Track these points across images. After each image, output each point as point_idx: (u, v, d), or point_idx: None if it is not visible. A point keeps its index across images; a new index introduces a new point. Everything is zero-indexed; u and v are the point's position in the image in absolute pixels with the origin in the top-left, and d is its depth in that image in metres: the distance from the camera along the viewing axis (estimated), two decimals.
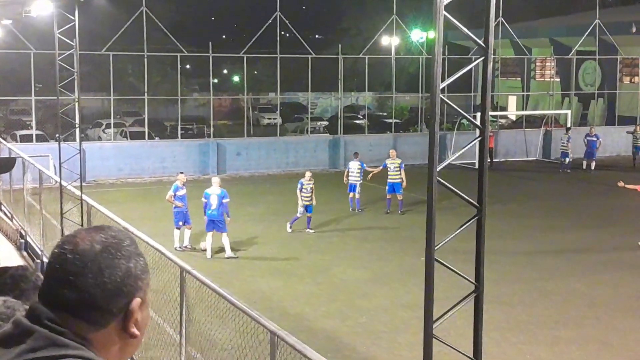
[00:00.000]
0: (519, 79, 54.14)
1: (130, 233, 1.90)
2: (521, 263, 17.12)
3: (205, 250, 17.66)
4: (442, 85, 5.44)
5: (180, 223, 18.15)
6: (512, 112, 48.79)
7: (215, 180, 18.18)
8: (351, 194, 22.93)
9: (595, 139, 31.23)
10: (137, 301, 1.78)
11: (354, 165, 22.88)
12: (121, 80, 39.89)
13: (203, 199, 17.72)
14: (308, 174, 20.38)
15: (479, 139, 5.76)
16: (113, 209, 14.55)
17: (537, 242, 19.16)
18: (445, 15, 5.40)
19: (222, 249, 17.73)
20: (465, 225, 5.74)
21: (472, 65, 5.95)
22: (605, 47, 42.88)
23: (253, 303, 13.07)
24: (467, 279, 5.63)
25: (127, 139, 34.00)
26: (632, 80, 48.87)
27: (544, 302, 14.30)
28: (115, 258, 1.76)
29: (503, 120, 45.48)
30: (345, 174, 23.15)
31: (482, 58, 5.68)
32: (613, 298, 14.53)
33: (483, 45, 5.72)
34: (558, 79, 49.25)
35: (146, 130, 32.67)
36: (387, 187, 22.53)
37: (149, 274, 1.86)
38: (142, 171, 29.82)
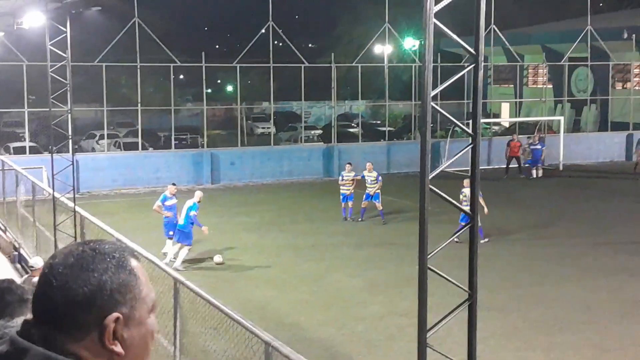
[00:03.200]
0: (512, 85, 54.28)
1: (126, 246, 1.88)
2: (516, 268, 17.10)
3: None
4: (432, 93, 5.43)
5: (171, 233, 18.13)
6: (505, 119, 48.93)
7: (196, 193, 18.49)
8: (345, 204, 22.87)
9: (539, 147, 31.13)
10: (112, 316, 1.74)
11: (347, 176, 22.90)
12: (114, 91, 39.83)
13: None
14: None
15: (471, 146, 5.75)
16: (106, 220, 14.50)
17: (531, 247, 19.15)
18: (435, 23, 5.40)
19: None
20: (458, 233, 5.73)
21: (462, 73, 5.93)
22: (597, 53, 43.03)
23: (247, 313, 13.05)
24: (460, 287, 5.61)
25: (121, 150, 33.95)
26: (625, 86, 49.05)
27: (539, 307, 14.28)
28: (87, 271, 1.74)
29: (496, 128, 45.57)
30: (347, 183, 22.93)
31: (473, 65, 5.68)
32: (609, 303, 14.52)
33: (473, 52, 5.72)
34: (550, 86, 49.42)
35: (140, 140, 32.60)
36: (364, 196, 22.51)
37: (140, 289, 1.81)
38: (136, 182, 29.74)
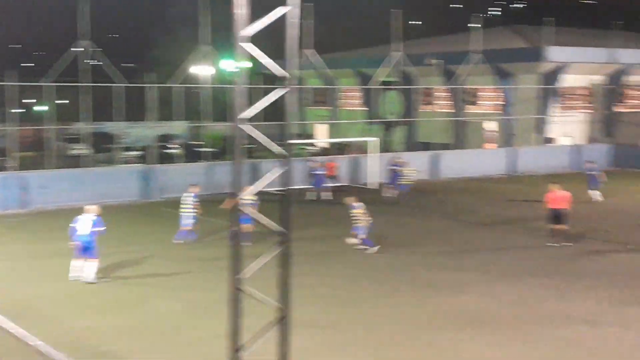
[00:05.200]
0: (328, 107, 56.13)
1: None
2: (333, 285, 17.59)
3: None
4: (244, 115, 5.54)
5: None
6: (322, 140, 50.41)
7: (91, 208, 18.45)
8: (194, 226, 22.42)
9: (320, 172, 31.79)
10: None
11: (187, 197, 22.54)
12: None
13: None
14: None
15: (283, 168, 5.91)
16: None
17: (347, 263, 19.79)
18: (249, 46, 5.51)
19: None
20: (273, 253, 5.85)
21: (276, 97, 6.09)
22: (405, 78, 45.55)
23: (67, 344, 12.48)
24: (274, 305, 5.72)
25: None
26: (430, 109, 52.19)
27: (355, 323, 14.76)
28: None
29: (313, 148, 46.86)
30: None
31: (285, 88, 5.86)
32: (417, 315, 15.30)
33: (287, 75, 5.90)
34: (364, 108, 51.62)
35: None
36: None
37: None
38: None
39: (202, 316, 15.24)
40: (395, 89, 47.88)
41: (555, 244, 21.80)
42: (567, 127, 46.27)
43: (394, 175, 31.65)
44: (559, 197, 21.97)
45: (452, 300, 16.38)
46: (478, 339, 13.71)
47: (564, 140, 46.37)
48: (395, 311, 15.57)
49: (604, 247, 22.04)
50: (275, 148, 6.30)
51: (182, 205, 22.54)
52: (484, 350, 13.16)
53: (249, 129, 5.73)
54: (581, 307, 15.78)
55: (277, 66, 5.91)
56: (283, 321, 5.58)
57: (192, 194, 22.62)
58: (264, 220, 6.09)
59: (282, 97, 6.21)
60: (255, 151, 38.43)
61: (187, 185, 23.42)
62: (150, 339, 13.87)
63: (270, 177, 5.88)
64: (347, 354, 13.02)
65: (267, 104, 5.87)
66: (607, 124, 47.93)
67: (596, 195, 30.76)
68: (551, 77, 44.92)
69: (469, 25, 48.48)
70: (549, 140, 46.14)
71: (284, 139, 5.88)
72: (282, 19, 5.74)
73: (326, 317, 15.07)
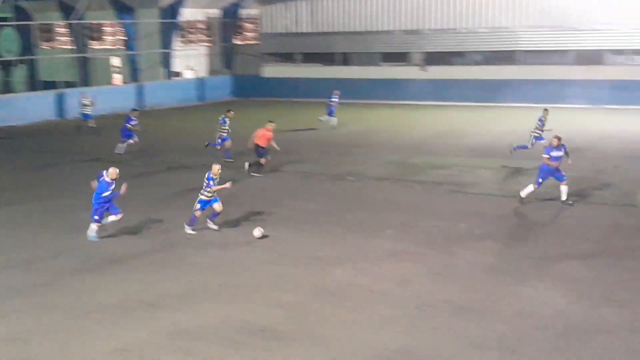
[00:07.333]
0: None
1: None
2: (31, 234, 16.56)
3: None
4: None
5: None
6: None
7: None
8: None
9: None
10: None
11: None
12: None
13: None
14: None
15: None
16: None
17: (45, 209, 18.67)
18: None
19: None
20: None
21: None
22: (21, 13, 42.84)
23: None
24: None
25: None
26: (51, 46, 49.88)
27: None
28: None
29: None
30: None
31: None
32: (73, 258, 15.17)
33: None
34: None
35: None
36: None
37: None
38: None
39: None
40: (9, 25, 44.72)
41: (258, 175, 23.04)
42: (191, 61, 47.79)
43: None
44: (261, 134, 23.14)
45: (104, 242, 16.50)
46: (119, 276, 14.10)
47: (188, 74, 47.86)
48: (54, 251, 15.26)
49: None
50: None
51: None
52: (122, 287, 13.61)
53: None
54: (214, 234, 16.91)
55: None
56: None
57: None
58: None
59: None
60: None
61: None
62: None
63: None
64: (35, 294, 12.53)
65: None
66: (225, 56, 50.51)
67: (333, 121, 33.26)
68: (171, 11, 45.71)
69: None
70: (174, 74, 47.25)
71: None
72: None
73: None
